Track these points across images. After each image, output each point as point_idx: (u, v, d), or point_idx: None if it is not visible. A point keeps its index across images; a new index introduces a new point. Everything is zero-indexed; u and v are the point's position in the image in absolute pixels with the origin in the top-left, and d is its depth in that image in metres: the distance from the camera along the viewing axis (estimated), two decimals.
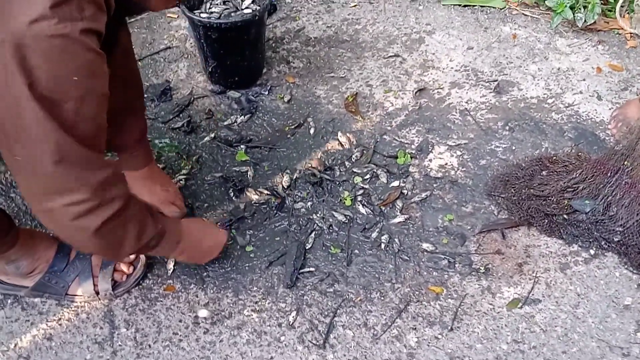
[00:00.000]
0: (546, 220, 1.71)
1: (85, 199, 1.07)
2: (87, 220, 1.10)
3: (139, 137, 1.59)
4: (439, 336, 1.50)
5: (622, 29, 2.32)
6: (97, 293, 1.54)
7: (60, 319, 1.53)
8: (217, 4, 2.02)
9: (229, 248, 1.66)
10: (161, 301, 1.56)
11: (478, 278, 1.61)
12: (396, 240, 1.68)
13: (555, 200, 1.73)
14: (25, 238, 1.48)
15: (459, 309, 1.55)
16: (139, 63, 2.22)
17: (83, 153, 1.03)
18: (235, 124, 2.01)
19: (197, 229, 1.51)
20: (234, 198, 1.79)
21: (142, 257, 1.59)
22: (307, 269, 1.62)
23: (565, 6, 2.25)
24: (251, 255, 1.66)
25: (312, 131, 1.99)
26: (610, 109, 2.03)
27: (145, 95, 2.08)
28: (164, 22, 2.43)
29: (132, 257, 1.58)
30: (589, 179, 1.73)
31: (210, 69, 2.10)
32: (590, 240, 1.67)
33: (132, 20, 2.42)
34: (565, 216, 1.71)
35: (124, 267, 1.56)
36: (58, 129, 0.97)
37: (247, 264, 1.64)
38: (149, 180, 1.66)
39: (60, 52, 0.93)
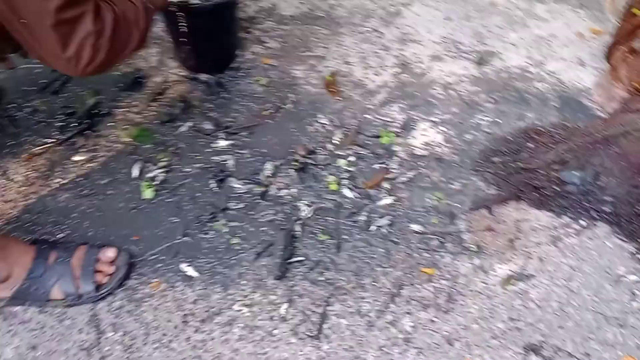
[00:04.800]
0: (535, 194, 1.68)
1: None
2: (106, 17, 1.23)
3: None
4: (434, 319, 1.47)
5: None
6: (80, 296, 1.48)
7: (43, 327, 1.47)
8: None
9: (214, 242, 1.62)
10: (147, 301, 1.51)
11: (470, 257, 1.58)
12: (385, 223, 1.64)
13: (543, 172, 1.70)
14: None
15: (453, 290, 1.52)
16: None
17: None
18: (212, 110, 1.94)
19: None
20: (216, 189, 1.73)
21: (125, 255, 1.54)
22: (296, 259, 1.58)
23: None
24: (237, 247, 1.61)
25: (291, 114, 1.93)
26: (594, 75, 2.00)
27: (117, 86, 2.01)
28: None
29: (113, 254, 1.52)
30: (576, 150, 1.70)
31: (182, 55, 2.02)
32: (581, 211, 1.65)
33: None
34: (554, 188, 1.68)
35: (105, 267, 1.51)
36: None
37: (234, 257, 1.59)
38: None
39: None
